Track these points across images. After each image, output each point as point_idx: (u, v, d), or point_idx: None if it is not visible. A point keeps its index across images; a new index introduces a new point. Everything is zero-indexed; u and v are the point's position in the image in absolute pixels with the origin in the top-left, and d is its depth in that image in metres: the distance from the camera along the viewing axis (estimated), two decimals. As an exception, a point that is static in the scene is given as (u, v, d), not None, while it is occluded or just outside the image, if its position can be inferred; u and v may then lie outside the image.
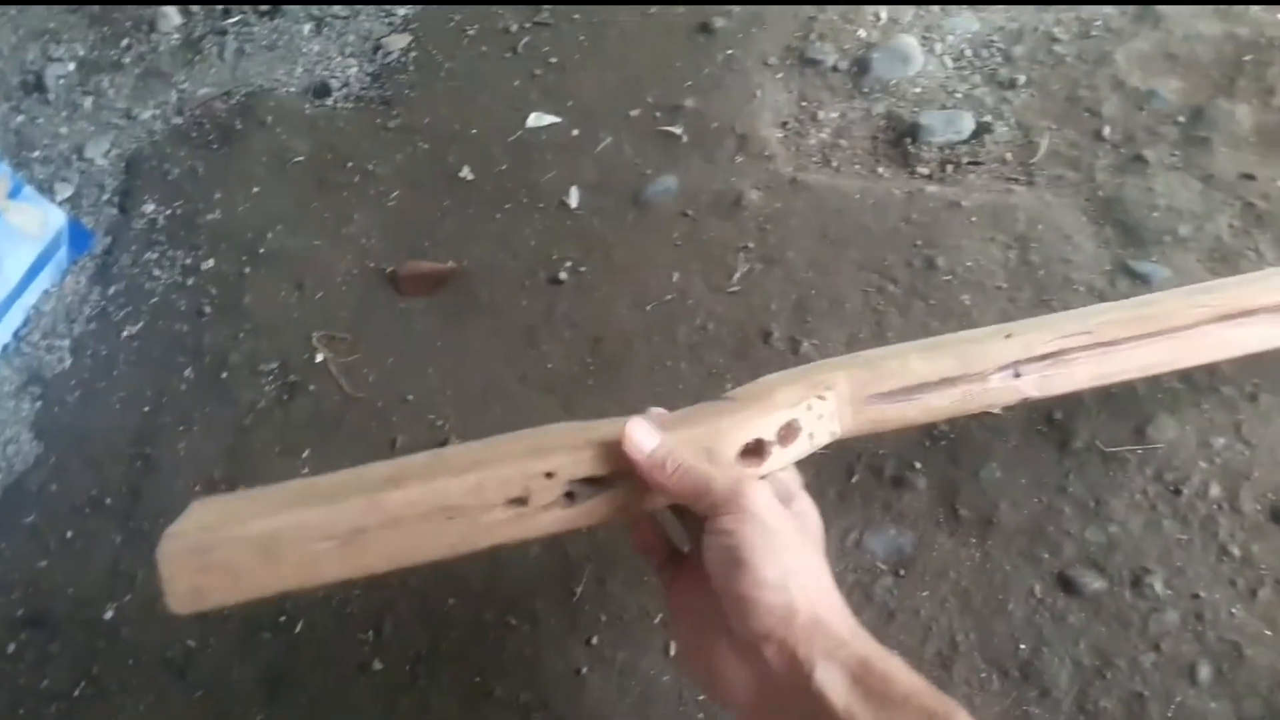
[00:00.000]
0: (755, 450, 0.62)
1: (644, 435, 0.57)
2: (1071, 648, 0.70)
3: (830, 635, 0.50)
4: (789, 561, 0.52)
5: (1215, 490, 0.74)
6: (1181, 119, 0.98)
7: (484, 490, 0.58)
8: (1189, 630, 0.68)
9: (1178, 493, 0.75)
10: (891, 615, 0.75)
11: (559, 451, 0.59)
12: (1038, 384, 0.69)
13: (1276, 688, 0.65)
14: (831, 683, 0.47)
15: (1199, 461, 0.76)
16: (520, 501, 0.58)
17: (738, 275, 0.99)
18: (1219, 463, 0.75)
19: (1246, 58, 1.01)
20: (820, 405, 0.64)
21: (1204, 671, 0.67)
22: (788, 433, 0.63)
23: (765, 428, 0.62)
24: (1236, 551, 0.71)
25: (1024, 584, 0.73)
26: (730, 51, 1.21)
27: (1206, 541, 0.72)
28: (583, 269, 1.04)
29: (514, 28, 1.36)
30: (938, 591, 0.75)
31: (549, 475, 0.58)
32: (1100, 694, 0.67)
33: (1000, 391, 0.68)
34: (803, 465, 0.64)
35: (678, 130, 1.15)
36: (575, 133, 1.19)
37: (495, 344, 0.99)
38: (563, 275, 1.04)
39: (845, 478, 0.82)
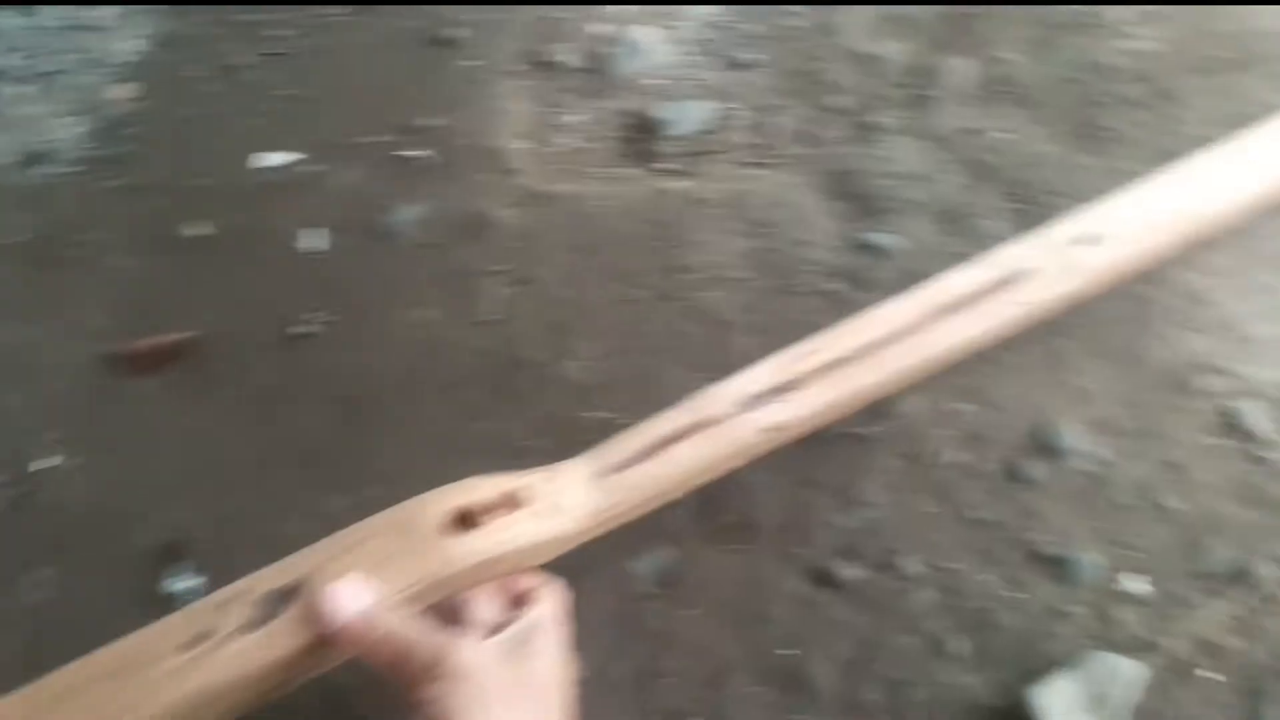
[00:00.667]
0: (465, 520, 0.57)
1: (343, 601, 0.51)
2: (835, 644, 0.69)
3: None
4: None
5: (955, 456, 0.74)
6: (908, 80, 0.98)
7: (156, 639, 0.51)
8: (943, 606, 0.68)
9: (921, 465, 0.74)
10: (664, 641, 0.72)
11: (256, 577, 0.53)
12: (778, 413, 0.68)
13: (1028, 651, 0.65)
14: None
15: (941, 429, 0.75)
16: (201, 638, 0.52)
17: (492, 303, 0.94)
18: (960, 428, 0.75)
19: (966, 10, 1.02)
20: (548, 485, 0.60)
21: (960, 645, 0.66)
22: (511, 500, 0.58)
23: (478, 491, 0.58)
24: (979, 517, 0.71)
25: (785, 585, 0.72)
26: (468, 63, 1.16)
27: (952, 511, 0.72)
28: (330, 319, 0.98)
29: (244, 63, 1.27)
30: (706, 607, 0.72)
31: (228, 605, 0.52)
32: (864, 687, 0.66)
33: (741, 429, 0.68)
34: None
35: (421, 153, 1.09)
36: (316, 168, 1.12)
37: (237, 418, 0.92)
38: (308, 329, 0.97)
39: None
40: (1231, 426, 0.72)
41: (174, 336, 0.98)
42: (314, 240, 1.04)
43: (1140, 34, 1.00)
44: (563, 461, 0.63)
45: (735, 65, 1.06)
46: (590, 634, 0.72)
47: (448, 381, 0.90)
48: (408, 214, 1.03)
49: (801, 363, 0.69)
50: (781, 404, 0.68)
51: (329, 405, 0.91)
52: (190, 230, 1.09)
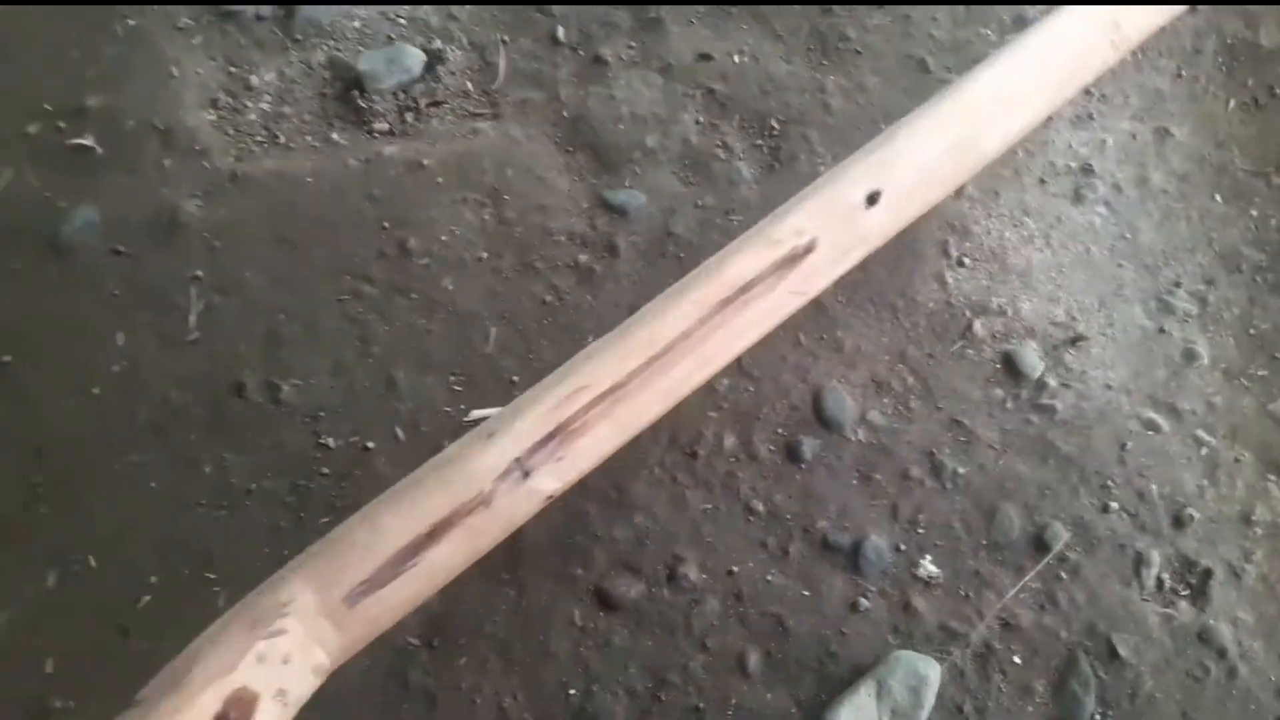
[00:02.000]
0: None
1: None
2: (622, 674, 0.63)
3: None
4: None
5: (729, 441, 0.68)
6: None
7: None
8: (731, 615, 0.64)
9: (694, 455, 0.68)
10: (433, 700, 0.65)
11: None
12: (558, 472, 0.56)
13: (826, 657, 0.61)
14: None
15: (708, 412, 0.69)
16: None
17: (193, 318, 0.81)
18: (727, 408, 0.69)
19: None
20: (278, 644, 0.48)
21: (753, 660, 0.62)
22: (240, 708, 0.47)
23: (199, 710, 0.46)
24: (761, 507, 0.66)
25: (563, 613, 0.66)
26: (131, 21, 0.97)
27: (731, 504, 0.67)
28: (6, 359, 0.82)
29: None
30: (477, 653, 0.66)
31: None
32: (658, 719, 0.61)
33: (518, 503, 0.55)
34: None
35: (88, 141, 0.92)
36: (-40, 172, 0.93)
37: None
38: (-24, 376, 0.81)
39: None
40: (1012, 372, 0.69)
41: None
42: (-34, 266, 0.86)
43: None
44: (288, 584, 0.50)
45: (443, -4, 0.93)
46: (350, 703, 0.64)
47: (155, 422, 0.78)
48: (83, 217, 0.87)
49: (570, 403, 0.56)
50: (554, 463, 0.55)
51: (19, 463, 0.77)
52: None
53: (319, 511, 0.73)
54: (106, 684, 0.71)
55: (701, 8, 0.86)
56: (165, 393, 0.79)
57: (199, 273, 0.83)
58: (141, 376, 0.80)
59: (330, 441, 0.75)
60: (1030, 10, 0.82)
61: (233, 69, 0.94)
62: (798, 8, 0.82)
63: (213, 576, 0.73)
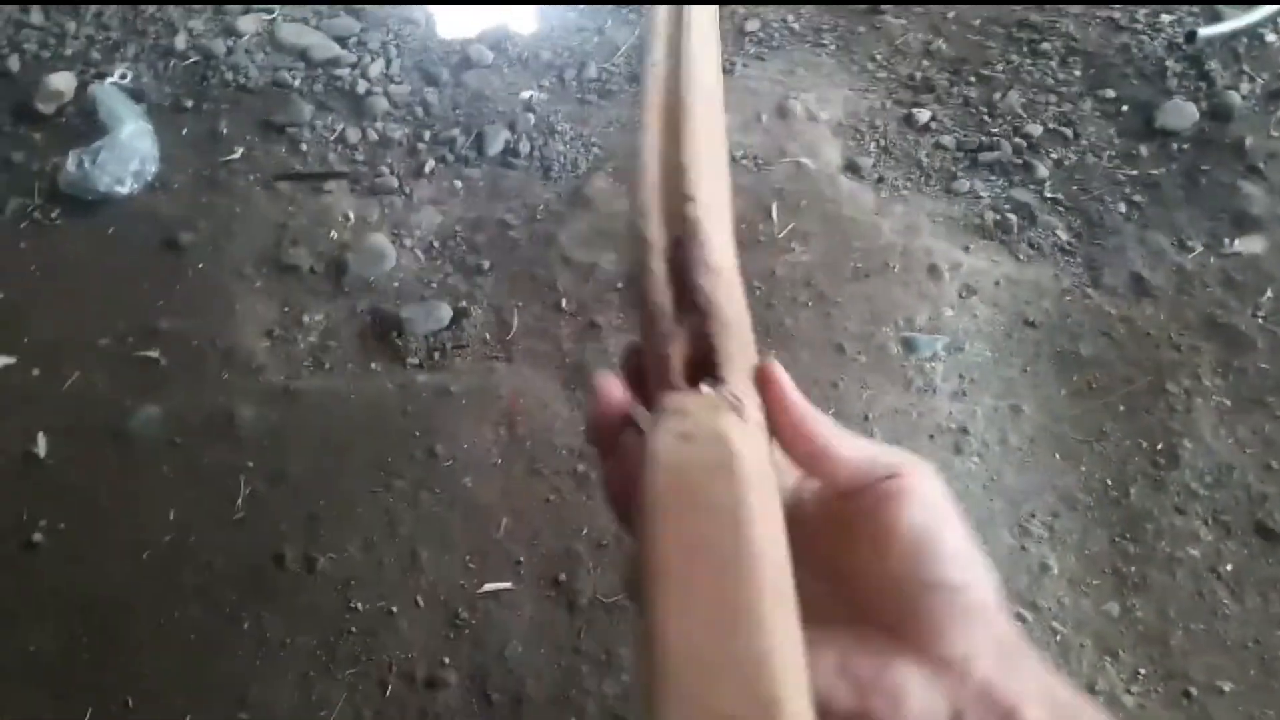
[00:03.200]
0: None
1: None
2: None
3: (1032, 662, 0.33)
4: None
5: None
6: (620, 285, 1.14)
7: None
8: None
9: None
10: None
11: None
12: None
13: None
14: None
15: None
16: None
17: (240, 500, 0.95)
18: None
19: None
20: None
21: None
22: None
23: None
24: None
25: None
26: (201, 265, 1.19)
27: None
28: (61, 526, 0.94)
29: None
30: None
31: None
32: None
33: None
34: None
35: (155, 354, 1.09)
36: (35, 372, 1.09)
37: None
38: (37, 538, 0.93)
39: (380, 693, 0.82)
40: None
41: None
42: (40, 446, 1.00)
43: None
44: None
45: (468, 269, 1.17)
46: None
47: (199, 584, 0.90)
48: (146, 414, 1.03)
49: None
50: None
51: (65, 617, 0.87)
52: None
53: (346, 664, 0.85)
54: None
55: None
56: (210, 560, 0.92)
57: (249, 463, 0.99)
58: (189, 545, 0.93)
59: (359, 605, 0.88)
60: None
61: (287, 309, 1.15)
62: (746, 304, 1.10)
63: (244, 717, 0.83)
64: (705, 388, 0.36)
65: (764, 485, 0.35)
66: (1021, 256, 1.15)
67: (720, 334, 0.41)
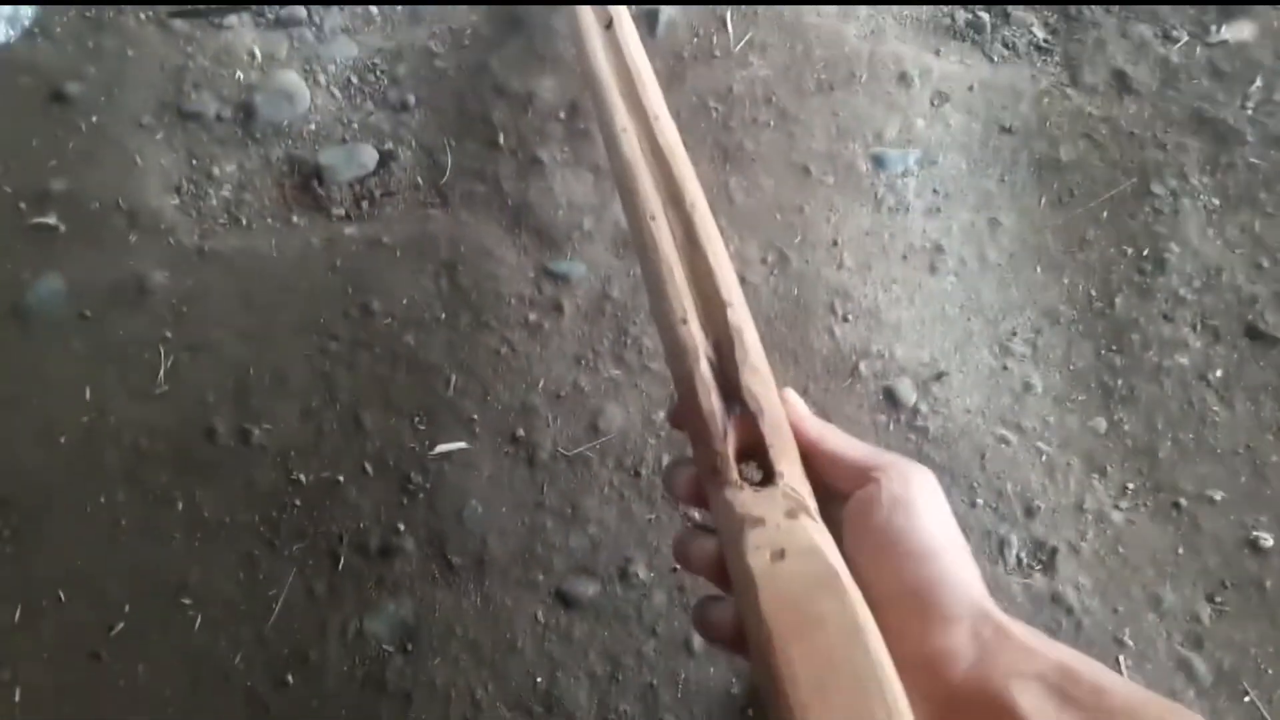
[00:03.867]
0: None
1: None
2: (583, 662, 0.72)
3: (1017, 641, 0.38)
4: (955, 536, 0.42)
5: (667, 461, 0.80)
6: (562, 115, 1.03)
7: None
8: (676, 605, 0.73)
9: (637, 475, 0.79)
10: (408, 697, 0.71)
11: None
12: None
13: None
14: (1032, 706, 0.35)
15: (648, 439, 0.81)
16: None
17: (162, 373, 0.87)
18: (664, 435, 0.81)
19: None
20: None
21: (696, 641, 0.72)
22: None
23: None
24: (697, 515, 0.77)
25: (527, 614, 0.74)
26: (94, 119, 1.06)
27: (671, 514, 0.78)
28: (-34, 415, 0.86)
29: None
30: (449, 654, 0.73)
31: None
32: (617, 698, 0.70)
33: None
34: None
35: (51, 220, 0.98)
36: (-82, 249, 0.97)
37: None
38: (-60, 431, 0.85)
39: (332, 565, 0.77)
40: (892, 401, 0.84)
41: None
42: (-72, 329, 0.91)
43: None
44: None
45: (391, 107, 1.06)
46: (327, 705, 0.70)
47: (124, 466, 0.83)
48: (47, 286, 0.93)
49: None
50: None
51: (-18, 513, 0.80)
52: None
53: (292, 539, 0.79)
54: (79, 709, 0.74)
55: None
56: (135, 439, 0.84)
57: (167, 333, 0.90)
58: (109, 425, 0.85)
59: (301, 477, 0.82)
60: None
61: (195, 161, 1.03)
62: (703, 125, 1.00)
63: (188, 602, 0.77)
64: (764, 485, 0.40)
65: (857, 591, 0.36)
66: (995, 58, 1.06)
67: (771, 431, 0.50)
